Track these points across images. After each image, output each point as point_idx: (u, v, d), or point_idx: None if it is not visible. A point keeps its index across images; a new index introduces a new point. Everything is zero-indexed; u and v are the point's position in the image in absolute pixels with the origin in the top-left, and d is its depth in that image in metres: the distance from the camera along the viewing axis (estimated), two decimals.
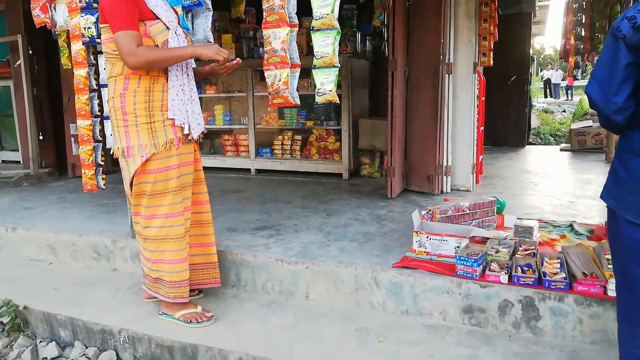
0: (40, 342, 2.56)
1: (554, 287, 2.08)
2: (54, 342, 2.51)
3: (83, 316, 2.47)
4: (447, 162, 4.00)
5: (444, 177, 3.99)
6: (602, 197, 1.56)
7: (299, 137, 5.12)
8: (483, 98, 4.58)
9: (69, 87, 4.89)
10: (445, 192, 4.01)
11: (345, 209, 3.63)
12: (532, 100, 15.75)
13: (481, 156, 4.72)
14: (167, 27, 2.14)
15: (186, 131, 2.23)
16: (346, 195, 4.11)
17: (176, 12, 2.33)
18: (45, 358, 2.44)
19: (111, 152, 2.34)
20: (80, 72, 3.23)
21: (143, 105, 2.14)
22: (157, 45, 2.11)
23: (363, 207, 3.65)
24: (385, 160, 4.44)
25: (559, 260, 2.24)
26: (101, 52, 3.07)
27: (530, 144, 8.80)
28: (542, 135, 10.16)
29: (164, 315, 2.37)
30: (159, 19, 2.12)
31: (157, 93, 2.16)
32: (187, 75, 2.26)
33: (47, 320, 2.56)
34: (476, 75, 4.06)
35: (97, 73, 3.25)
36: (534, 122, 12.24)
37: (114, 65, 2.16)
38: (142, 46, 2.05)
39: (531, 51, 7.89)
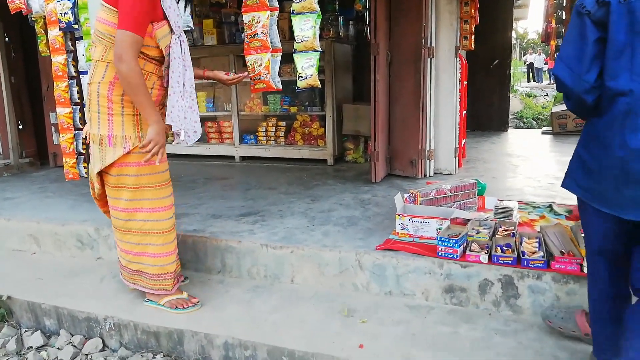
0: (25, 331, 2.56)
1: (532, 266, 2.14)
2: (39, 331, 2.51)
3: (68, 305, 2.47)
4: (430, 146, 4.03)
5: (427, 161, 4.03)
6: (567, 186, 1.58)
7: (283, 124, 5.11)
8: (465, 82, 4.61)
9: (47, 74, 4.79)
10: (428, 175, 4.05)
11: (330, 194, 3.65)
12: (516, 84, 15.92)
13: (464, 140, 4.76)
14: (172, 31, 2.09)
15: (182, 137, 2.20)
16: (331, 180, 4.13)
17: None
18: (31, 347, 2.43)
19: (84, 135, 2.28)
20: (59, 59, 3.19)
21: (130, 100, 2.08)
22: (159, 48, 2.06)
23: (347, 192, 3.68)
24: (369, 146, 4.46)
25: (537, 240, 2.29)
26: (79, 38, 3.04)
27: (515, 128, 8.92)
28: (524, 119, 10.28)
29: (149, 302, 2.38)
30: (166, 20, 2.07)
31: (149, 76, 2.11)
32: (188, 83, 2.21)
33: (31, 309, 2.55)
34: (458, 59, 4.08)
35: (75, 60, 3.20)
36: (517, 106, 12.37)
37: (107, 50, 2.06)
38: (136, 66, 1.97)
39: (514, 35, 7.97)
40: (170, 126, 2.15)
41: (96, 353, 2.33)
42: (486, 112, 7.08)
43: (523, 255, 2.17)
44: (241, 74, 2.51)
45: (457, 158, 4.22)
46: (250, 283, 2.61)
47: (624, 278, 1.57)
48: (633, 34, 1.28)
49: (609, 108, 1.40)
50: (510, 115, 10.62)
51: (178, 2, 2.68)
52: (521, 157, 5.00)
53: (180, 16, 2.20)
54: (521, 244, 2.27)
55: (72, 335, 2.44)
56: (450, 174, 4.14)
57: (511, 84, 16.77)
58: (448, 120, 4.11)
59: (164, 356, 2.23)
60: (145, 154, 2.02)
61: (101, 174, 2.22)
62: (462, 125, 4.46)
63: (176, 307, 2.31)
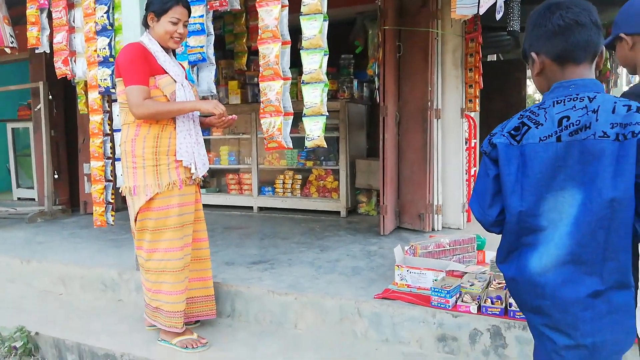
0: None
1: (518, 317, 2.26)
2: None
3: (89, 342, 2.66)
4: (438, 201, 4.21)
5: (435, 216, 4.19)
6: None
7: (299, 177, 5.38)
8: (475, 140, 4.83)
9: (84, 129, 5.26)
10: (436, 229, 4.21)
11: (339, 245, 3.83)
12: None
13: None
14: (175, 80, 2.44)
15: (193, 170, 2.49)
16: (342, 232, 4.32)
17: (183, 67, 2.65)
18: None
19: (120, 191, 2.60)
20: (96, 118, 3.56)
21: (151, 150, 2.40)
22: (166, 96, 2.40)
23: (356, 243, 3.86)
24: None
25: None
26: (115, 101, 3.41)
27: None
28: None
29: (162, 341, 2.56)
30: (167, 73, 2.43)
31: (164, 139, 2.42)
32: (194, 121, 2.54)
33: (56, 345, 2.76)
34: (465, 119, 4.32)
35: (110, 119, 3.57)
36: None
37: (127, 114, 2.43)
38: (149, 99, 2.34)
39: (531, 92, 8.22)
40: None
41: None
42: None
43: (510, 307, 2.30)
44: (230, 116, 2.56)
45: (465, 213, 4.37)
46: (256, 328, 2.77)
47: None
48: (524, 176, 1.31)
49: (507, 238, 1.39)
50: None
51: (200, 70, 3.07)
52: None
53: (179, 68, 2.54)
54: (510, 296, 2.40)
55: None
56: (459, 229, 4.28)
57: None
58: (455, 176, 4.31)
59: None
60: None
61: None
62: (470, 181, 4.64)
63: (186, 346, 2.49)
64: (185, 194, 2.48)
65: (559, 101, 1.28)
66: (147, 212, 2.42)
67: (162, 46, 2.45)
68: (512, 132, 1.33)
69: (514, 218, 1.32)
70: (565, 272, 1.26)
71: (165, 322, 2.50)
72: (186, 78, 2.58)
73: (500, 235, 1.42)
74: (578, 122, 1.24)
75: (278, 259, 3.45)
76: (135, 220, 2.47)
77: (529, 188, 1.30)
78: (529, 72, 8.31)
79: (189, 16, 2.51)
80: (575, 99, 1.27)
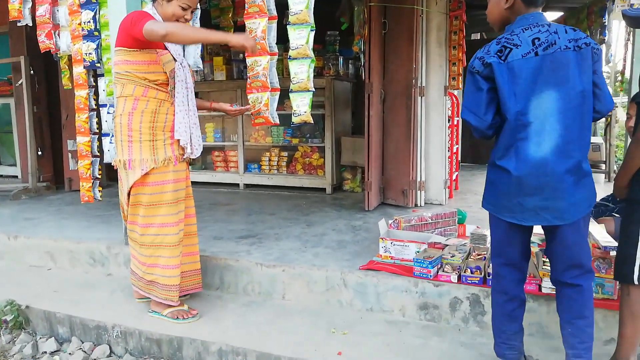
0: (40, 338, 2.80)
1: None
2: (53, 337, 2.75)
3: (80, 314, 2.72)
4: (421, 177, 4.31)
5: (418, 192, 4.29)
6: (483, 206, 1.95)
7: (285, 154, 5.42)
8: (457, 118, 4.92)
9: (67, 105, 5.21)
10: (419, 205, 4.31)
11: (325, 220, 3.92)
12: None
13: (456, 172, 5.04)
14: (174, 59, 2.44)
15: (188, 150, 2.52)
16: (327, 208, 4.40)
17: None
18: (45, 352, 2.67)
19: (112, 163, 2.60)
20: (81, 93, 3.54)
21: (148, 124, 2.41)
22: (166, 73, 2.40)
23: (341, 219, 3.94)
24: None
25: None
26: (101, 75, 3.40)
27: None
28: None
29: (153, 312, 2.63)
30: (168, 50, 2.43)
31: (161, 115, 2.43)
32: (191, 102, 2.55)
33: (46, 318, 2.81)
34: (448, 97, 4.40)
35: (96, 94, 3.56)
36: None
37: (124, 86, 2.41)
38: (171, 24, 2.32)
39: None
40: None
41: (104, 358, 2.57)
42: (484, 146, 7.35)
43: (489, 276, 2.41)
44: (244, 107, 2.87)
45: (447, 189, 4.48)
46: (245, 299, 2.86)
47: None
48: (514, 85, 1.73)
49: (505, 137, 1.80)
50: None
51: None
52: None
53: (180, 47, 2.54)
54: (489, 266, 2.51)
55: (83, 342, 2.69)
56: (440, 204, 4.40)
57: None
58: (438, 153, 4.40)
59: None
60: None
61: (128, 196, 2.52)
62: (452, 158, 4.74)
63: (177, 317, 2.56)
64: (178, 170, 2.53)
65: (527, 28, 1.76)
66: (142, 187, 2.45)
67: None
68: (498, 53, 1.75)
69: (512, 117, 1.74)
70: (559, 150, 1.72)
71: (160, 294, 2.55)
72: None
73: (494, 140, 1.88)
74: (547, 40, 1.72)
75: (265, 233, 3.52)
76: (129, 194, 2.49)
77: (520, 93, 1.72)
78: None
79: (198, 3, 2.50)
80: (537, 25, 1.76)
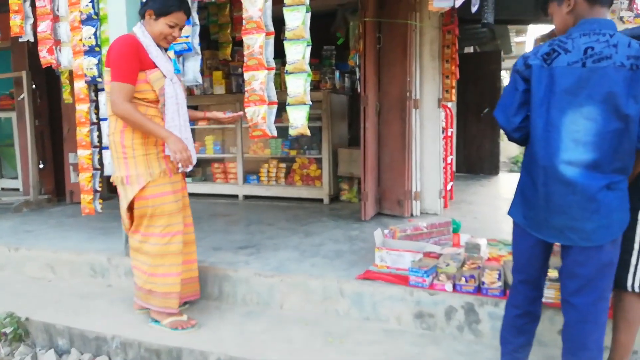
0: (40, 350, 2.83)
1: (491, 294, 2.42)
2: (52, 349, 2.78)
3: (79, 325, 2.75)
4: (416, 188, 4.37)
5: (413, 202, 4.35)
6: (513, 216, 1.89)
7: (283, 165, 5.49)
8: (452, 130, 5.00)
9: (68, 119, 5.27)
10: (414, 215, 4.36)
11: (322, 230, 3.96)
12: None
13: (451, 183, 5.10)
14: (164, 76, 2.50)
15: (180, 167, 2.55)
16: (325, 218, 4.45)
17: (170, 59, 2.72)
18: None
19: (111, 180, 2.66)
20: (82, 107, 3.60)
21: (140, 140, 2.47)
22: (155, 91, 2.45)
23: (338, 229, 3.99)
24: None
25: (498, 272, 2.58)
26: (102, 90, 3.47)
27: (510, 172, 9.26)
28: (518, 164, 10.62)
29: (153, 322, 2.66)
30: (158, 68, 2.48)
31: (152, 136, 2.47)
32: (182, 117, 2.59)
33: (46, 330, 2.84)
34: (442, 109, 4.47)
35: (97, 108, 3.62)
36: (514, 151, 12.73)
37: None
38: (131, 104, 2.38)
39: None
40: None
41: None
42: (477, 157, 7.44)
43: (483, 285, 2.46)
44: (236, 113, 2.94)
45: (442, 199, 4.54)
46: (244, 309, 2.89)
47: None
48: (550, 92, 1.65)
49: (534, 147, 1.74)
50: (506, 160, 11.01)
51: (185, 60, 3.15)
52: (506, 199, 5.29)
53: (170, 63, 2.58)
54: (483, 275, 2.56)
55: (82, 353, 2.71)
56: (436, 214, 4.45)
57: None
58: (433, 164, 4.46)
59: None
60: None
61: (130, 209, 2.58)
62: (447, 169, 4.80)
63: (177, 327, 2.60)
64: (175, 181, 2.59)
65: (585, 34, 1.63)
66: (144, 201, 2.50)
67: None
68: (544, 56, 1.66)
69: (540, 126, 1.67)
70: (590, 170, 1.62)
71: (158, 303, 2.59)
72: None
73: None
74: (600, 52, 1.59)
75: (264, 243, 3.56)
76: (130, 208, 2.55)
77: (555, 103, 1.64)
78: (504, 64, 8.55)
79: (187, 20, 2.57)
80: (598, 33, 1.62)
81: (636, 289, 1.88)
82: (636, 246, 1.86)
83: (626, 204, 1.70)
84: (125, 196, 2.54)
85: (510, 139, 1.84)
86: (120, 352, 2.62)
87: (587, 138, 1.61)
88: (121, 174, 2.51)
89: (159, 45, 2.53)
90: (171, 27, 2.46)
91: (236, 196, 5.60)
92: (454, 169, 5.89)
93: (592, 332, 1.72)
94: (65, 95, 4.45)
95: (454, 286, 2.52)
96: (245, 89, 2.94)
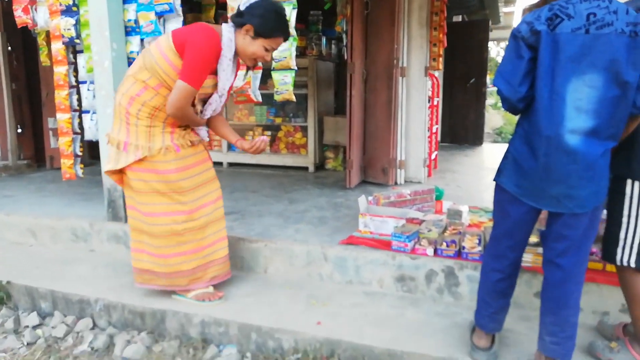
0: (23, 313, 2.82)
1: (471, 258, 2.47)
2: (35, 312, 2.78)
3: (62, 289, 2.74)
4: (401, 156, 4.38)
5: (398, 170, 4.37)
6: (504, 184, 1.85)
7: (268, 133, 5.44)
8: (438, 99, 4.99)
9: (47, 82, 5.12)
10: (399, 183, 4.40)
11: (307, 197, 3.97)
12: (500, 102, 16.43)
13: (435, 152, 5.13)
14: (216, 90, 2.32)
15: (203, 133, 2.48)
16: (310, 186, 4.46)
17: (237, 76, 2.51)
18: (27, 326, 2.69)
19: (105, 136, 2.45)
20: (60, 70, 3.50)
21: (147, 112, 2.27)
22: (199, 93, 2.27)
23: (323, 196, 4.01)
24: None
25: (478, 237, 2.62)
26: (80, 52, 3.36)
27: (494, 142, 9.35)
28: (503, 135, 10.71)
29: (178, 295, 2.55)
30: (217, 78, 2.28)
31: (162, 113, 2.29)
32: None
33: (28, 293, 2.83)
34: (428, 78, 4.45)
35: (76, 70, 3.52)
36: (499, 122, 12.82)
37: (141, 71, 2.23)
38: (189, 112, 2.26)
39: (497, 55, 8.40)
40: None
41: (87, 331, 2.61)
42: (462, 127, 7.48)
43: (463, 249, 2.51)
44: (258, 139, 2.46)
45: (426, 168, 4.57)
46: None
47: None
48: (555, 60, 1.61)
49: (535, 116, 1.70)
50: (490, 131, 11.09)
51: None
52: (489, 168, 5.37)
53: (231, 80, 2.35)
54: (464, 240, 2.60)
55: (66, 316, 2.71)
56: (420, 182, 4.49)
57: (495, 101, 17.15)
58: (418, 133, 4.47)
59: (147, 333, 2.51)
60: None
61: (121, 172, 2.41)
62: (432, 138, 4.82)
63: (203, 299, 2.50)
64: (185, 156, 2.37)
65: (585, 0, 1.60)
66: (138, 173, 2.33)
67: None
68: (548, 21, 1.62)
69: (545, 95, 1.64)
70: (591, 138, 1.62)
71: (164, 282, 2.49)
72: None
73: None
74: (603, 19, 1.57)
75: (248, 210, 3.56)
76: (124, 173, 2.39)
77: (559, 71, 1.61)
78: (492, 34, 8.50)
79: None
80: None
81: (625, 263, 1.87)
82: (624, 220, 1.85)
83: (609, 170, 1.73)
84: (115, 160, 2.34)
85: (511, 109, 1.77)
86: (104, 315, 2.63)
87: (589, 106, 1.60)
88: (120, 138, 2.32)
89: (233, 58, 2.31)
90: (267, 50, 2.26)
91: (221, 163, 5.56)
92: (438, 138, 5.91)
93: (573, 291, 1.78)
94: (43, 58, 4.31)
95: (435, 251, 2.56)
96: None
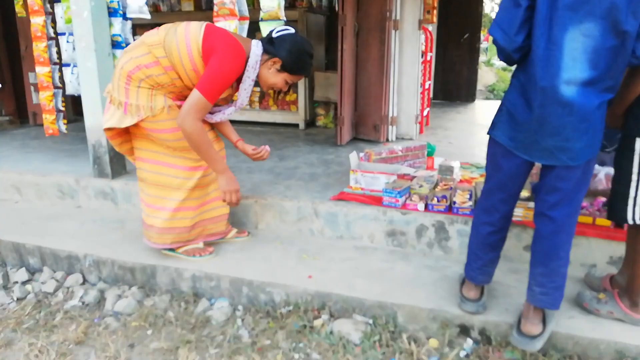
0: (11, 269, 2.80)
1: (461, 213, 2.47)
2: (24, 268, 2.76)
3: (50, 244, 2.72)
4: (393, 112, 4.32)
5: (389, 127, 4.32)
6: (497, 137, 1.82)
7: (257, 89, 5.31)
8: (431, 54, 4.88)
9: (25, 36, 4.90)
10: (390, 140, 4.35)
11: (297, 154, 3.93)
12: (493, 58, 16.21)
13: (427, 108, 5.07)
14: (232, 102, 2.32)
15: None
16: (300, 143, 4.40)
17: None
18: (16, 282, 2.68)
19: (105, 94, 2.35)
20: (37, 20, 3.34)
21: (148, 85, 2.19)
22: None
23: (314, 153, 3.96)
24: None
25: (469, 192, 2.62)
26: (57, 1, 3.19)
27: (486, 99, 9.27)
28: (495, 92, 10.63)
29: (168, 250, 2.53)
30: (231, 88, 2.28)
31: (165, 89, 2.22)
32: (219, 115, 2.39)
33: (16, 249, 2.80)
34: (422, 31, 4.33)
35: (54, 21, 3.36)
36: (492, 79, 12.71)
37: (158, 47, 2.14)
38: (200, 126, 2.13)
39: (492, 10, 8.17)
40: None
41: (77, 286, 2.60)
42: (455, 84, 7.39)
43: (454, 204, 2.50)
44: (262, 147, 2.60)
45: (418, 124, 4.52)
46: None
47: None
48: (553, 9, 1.56)
49: (531, 66, 1.67)
50: (483, 88, 10.99)
51: None
52: (481, 125, 5.34)
53: (247, 98, 2.33)
54: (455, 196, 2.60)
55: (55, 272, 2.70)
56: (411, 139, 4.45)
57: (488, 57, 16.91)
58: (410, 89, 4.39)
59: (138, 288, 2.51)
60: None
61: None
62: (424, 94, 4.75)
63: (193, 254, 2.50)
64: None
65: None
66: (139, 130, 2.31)
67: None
68: None
69: (542, 45, 1.60)
70: (588, 90, 1.60)
71: (153, 237, 2.46)
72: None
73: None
74: None
75: (238, 166, 3.51)
76: (128, 131, 2.37)
77: (557, 19, 1.57)
78: None
79: None
80: None
81: (638, 221, 1.84)
82: (634, 177, 1.81)
83: (604, 123, 1.69)
84: (118, 120, 2.25)
85: (507, 60, 1.73)
86: (94, 270, 2.62)
87: (585, 55, 1.56)
88: (120, 99, 2.23)
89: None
90: (287, 83, 2.27)
91: None
92: (431, 95, 5.84)
93: (564, 243, 1.79)
94: (18, 8, 4.11)
95: (426, 206, 2.55)
96: (215, 1, 2.76)
